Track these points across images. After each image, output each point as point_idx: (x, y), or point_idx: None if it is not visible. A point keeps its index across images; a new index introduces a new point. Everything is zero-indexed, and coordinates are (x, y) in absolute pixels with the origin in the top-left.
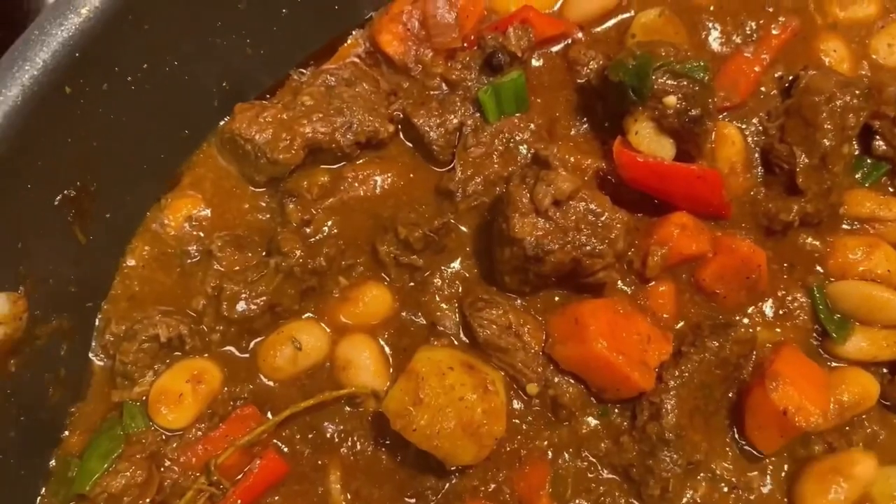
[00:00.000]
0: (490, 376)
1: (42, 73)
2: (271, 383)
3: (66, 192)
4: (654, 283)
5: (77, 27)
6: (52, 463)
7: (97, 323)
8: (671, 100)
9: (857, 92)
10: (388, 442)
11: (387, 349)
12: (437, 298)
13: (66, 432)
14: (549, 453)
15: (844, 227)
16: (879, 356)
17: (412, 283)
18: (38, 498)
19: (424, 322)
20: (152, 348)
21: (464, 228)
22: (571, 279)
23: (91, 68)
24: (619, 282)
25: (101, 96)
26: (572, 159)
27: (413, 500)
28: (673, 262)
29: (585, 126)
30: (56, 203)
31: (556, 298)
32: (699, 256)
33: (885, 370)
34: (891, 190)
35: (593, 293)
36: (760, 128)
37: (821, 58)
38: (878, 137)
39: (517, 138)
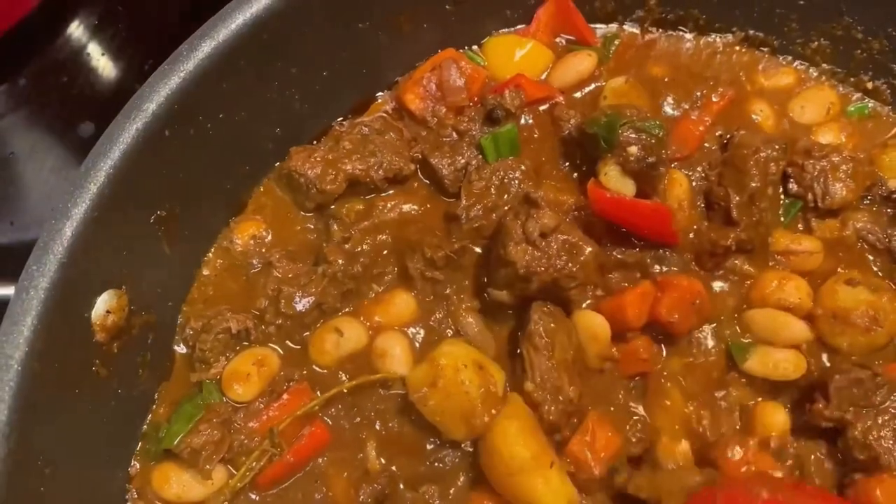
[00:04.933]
0: (494, 378)
1: (150, 121)
2: (320, 369)
3: (158, 212)
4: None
5: (177, 85)
6: (145, 427)
7: (179, 320)
8: (633, 149)
9: (776, 146)
10: (413, 418)
11: (416, 343)
12: (454, 306)
13: (155, 405)
14: None
15: (770, 263)
16: (770, 376)
17: (434, 293)
18: (134, 453)
19: (444, 323)
20: (225, 339)
21: (477, 249)
22: (550, 294)
23: (183, 117)
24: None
25: (188, 139)
26: (553, 196)
27: (436, 464)
28: None
29: (565, 169)
30: (151, 221)
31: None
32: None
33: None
34: (800, 227)
35: (565, 305)
36: (703, 174)
37: (751, 117)
38: (791, 180)
39: (510, 176)
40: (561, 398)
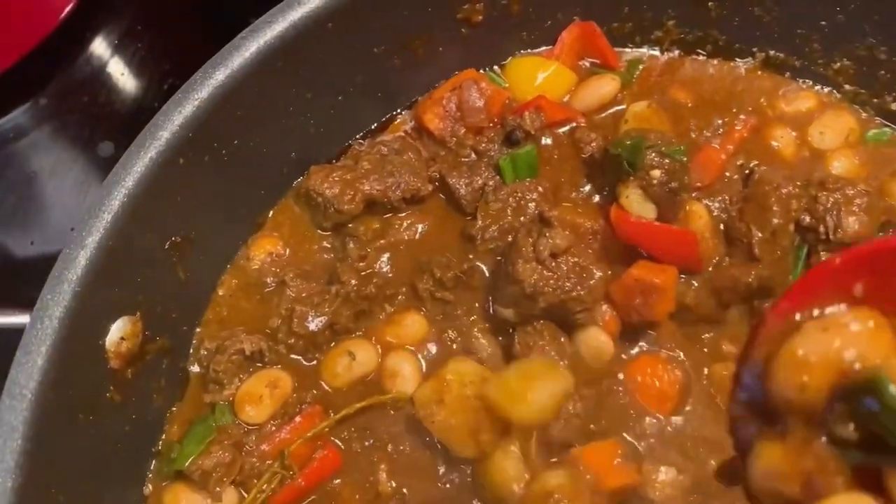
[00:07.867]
0: None
1: (165, 149)
2: (332, 390)
3: (173, 238)
4: None
5: (191, 114)
6: (159, 446)
7: (194, 341)
8: (656, 173)
9: (798, 183)
10: (425, 440)
11: (423, 363)
12: (465, 326)
13: (167, 424)
14: None
15: None
16: None
17: (444, 313)
18: (149, 473)
19: (455, 344)
20: (239, 360)
21: (485, 269)
22: (556, 316)
23: (198, 145)
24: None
25: (203, 166)
26: (570, 219)
27: (447, 486)
28: None
29: (584, 192)
30: (166, 247)
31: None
32: None
33: None
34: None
35: (570, 328)
36: (723, 206)
37: (771, 143)
38: (804, 212)
39: (527, 197)
40: (565, 413)
